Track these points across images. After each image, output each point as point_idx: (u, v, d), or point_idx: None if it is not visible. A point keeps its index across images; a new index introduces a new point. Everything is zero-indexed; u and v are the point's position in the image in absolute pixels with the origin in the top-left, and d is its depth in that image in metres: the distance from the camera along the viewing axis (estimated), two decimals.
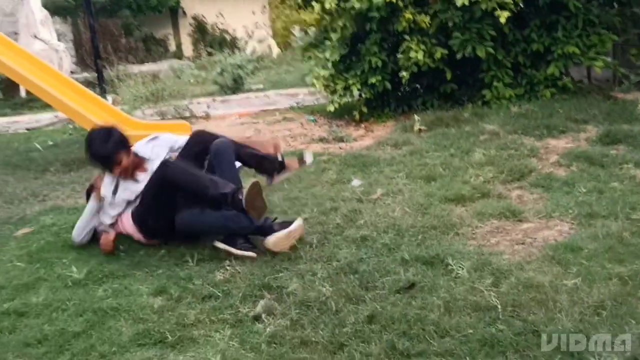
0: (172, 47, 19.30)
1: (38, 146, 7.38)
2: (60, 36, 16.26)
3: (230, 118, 8.56)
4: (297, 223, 3.39)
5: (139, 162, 3.76)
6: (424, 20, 6.23)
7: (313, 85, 7.36)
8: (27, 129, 9.53)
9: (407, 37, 6.32)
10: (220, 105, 10.09)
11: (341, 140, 6.16)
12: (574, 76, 6.70)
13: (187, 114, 8.19)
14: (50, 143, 7.60)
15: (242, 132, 7.28)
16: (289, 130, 7.11)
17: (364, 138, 6.25)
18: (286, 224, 3.38)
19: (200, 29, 19.07)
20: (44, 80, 6.46)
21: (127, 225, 3.68)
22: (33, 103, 12.24)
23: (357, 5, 6.34)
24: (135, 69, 11.99)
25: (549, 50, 6.25)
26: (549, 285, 2.63)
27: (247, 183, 3.49)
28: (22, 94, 13.38)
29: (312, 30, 9.02)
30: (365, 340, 2.40)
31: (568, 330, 2.27)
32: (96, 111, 6.59)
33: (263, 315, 2.67)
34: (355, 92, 6.95)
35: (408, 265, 2.99)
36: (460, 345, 2.28)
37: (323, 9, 6.86)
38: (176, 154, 3.85)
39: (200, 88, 12.10)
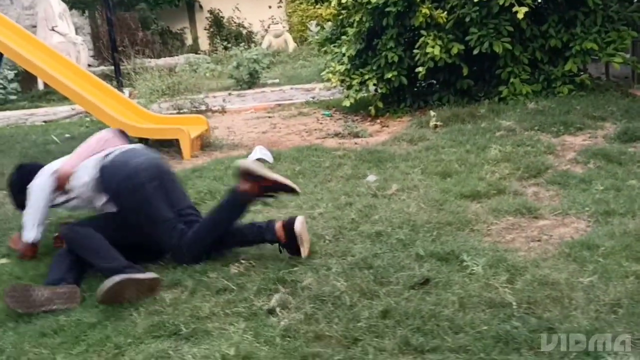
0: (189, 41, 19.36)
1: (55, 138, 7.44)
2: (78, 29, 16.39)
3: (246, 112, 8.58)
4: None
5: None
6: (441, 15, 6.20)
7: (329, 80, 7.35)
8: (45, 122, 9.62)
9: (423, 32, 6.30)
10: (236, 99, 10.12)
11: (357, 135, 6.16)
12: (592, 73, 6.66)
13: (203, 107, 8.21)
14: (67, 135, 7.66)
15: (257, 127, 7.30)
16: (304, 125, 7.12)
17: (379, 133, 6.24)
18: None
19: (217, 23, 19.09)
20: (62, 73, 6.50)
21: None
22: (50, 96, 12.36)
23: (373, 0, 6.32)
24: (152, 62, 12.02)
25: (567, 46, 6.21)
26: (564, 282, 2.61)
27: None
28: (40, 86, 13.49)
29: (328, 25, 9.02)
30: (379, 335, 2.40)
31: (584, 328, 2.26)
32: (113, 104, 6.63)
33: (277, 309, 2.67)
34: (371, 87, 6.95)
35: (423, 261, 2.98)
36: (474, 342, 2.27)
37: (340, 3, 6.87)
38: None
39: (216, 82, 12.13)
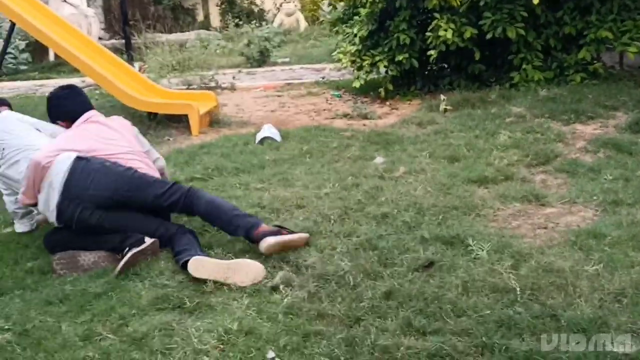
0: (200, 17, 19.26)
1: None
2: (89, 2, 16.32)
3: (255, 90, 8.55)
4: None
5: None
6: None
7: (339, 60, 7.31)
8: None
9: (437, 15, 6.23)
10: (245, 77, 10.09)
11: (365, 117, 6.14)
12: (605, 61, 6.58)
13: (213, 84, 8.19)
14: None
15: (266, 105, 7.29)
16: (313, 104, 7.10)
17: (388, 116, 6.22)
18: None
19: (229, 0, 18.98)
20: (73, 45, 6.50)
21: None
22: (61, 67, 12.37)
23: None
24: (163, 37, 11.98)
25: (581, 34, 6.13)
26: (569, 270, 2.61)
27: None
28: (51, 57, 13.49)
29: (340, 5, 8.95)
30: (382, 315, 2.41)
31: (588, 316, 2.26)
32: (123, 78, 6.63)
33: (281, 287, 2.69)
34: (382, 69, 6.90)
35: (427, 244, 2.99)
36: (476, 325, 2.28)
37: None
38: None
39: (226, 59, 12.09)
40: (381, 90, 6.89)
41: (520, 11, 6.01)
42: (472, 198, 3.59)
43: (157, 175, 3.40)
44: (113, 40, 14.74)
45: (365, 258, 2.87)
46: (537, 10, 6.02)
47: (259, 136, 5.32)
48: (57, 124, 3.60)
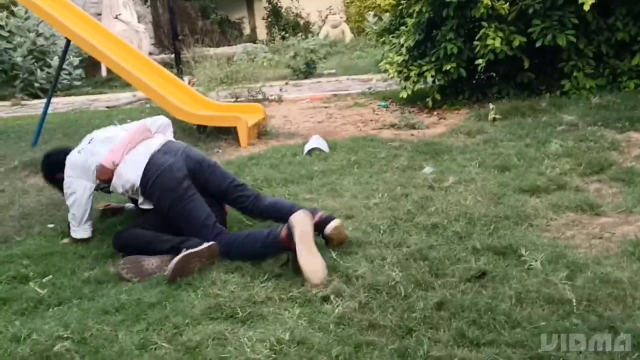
0: (247, 30, 19.57)
1: (117, 124, 7.61)
2: (140, 18, 16.75)
3: (302, 102, 8.61)
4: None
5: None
6: (503, 6, 6.07)
7: (386, 71, 7.31)
8: (107, 107, 9.89)
9: (484, 23, 6.18)
10: (292, 89, 10.17)
11: (413, 127, 6.11)
12: None
13: (260, 96, 8.29)
14: (129, 121, 7.80)
15: (313, 116, 7.33)
16: (360, 115, 7.11)
17: (436, 125, 6.19)
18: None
19: (275, 12, 19.24)
20: (125, 60, 6.65)
21: None
22: (113, 82, 12.71)
23: None
24: (211, 51, 12.18)
25: (634, 40, 5.99)
26: (627, 281, 2.54)
27: None
28: (103, 73, 13.88)
29: (386, 16, 8.96)
30: (434, 326, 2.39)
31: None
32: (173, 91, 6.76)
33: (332, 297, 2.69)
34: (429, 79, 6.87)
35: (479, 254, 2.95)
36: (531, 337, 2.24)
37: None
38: None
39: (273, 71, 12.21)
40: (428, 100, 6.86)
41: (571, 18, 5.90)
42: (524, 208, 3.54)
43: None
44: (163, 55, 15.07)
45: (416, 268, 2.85)
46: (588, 16, 5.90)
47: (307, 147, 5.35)
48: None
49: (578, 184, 3.90)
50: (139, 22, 15.93)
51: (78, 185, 3.57)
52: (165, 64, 9.49)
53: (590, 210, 3.45)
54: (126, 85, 10.18)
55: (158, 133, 3.81)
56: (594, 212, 3.44)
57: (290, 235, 3.01)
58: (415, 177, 4.31)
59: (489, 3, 6.04)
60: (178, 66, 11.38)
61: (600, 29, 6.13)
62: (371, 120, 6.72)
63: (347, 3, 18.68)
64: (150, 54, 15.18)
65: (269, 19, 19.34)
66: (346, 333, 2.41)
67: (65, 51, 6.94)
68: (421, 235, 3.26)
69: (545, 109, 5.74)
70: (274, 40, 17.15)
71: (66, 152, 3.75)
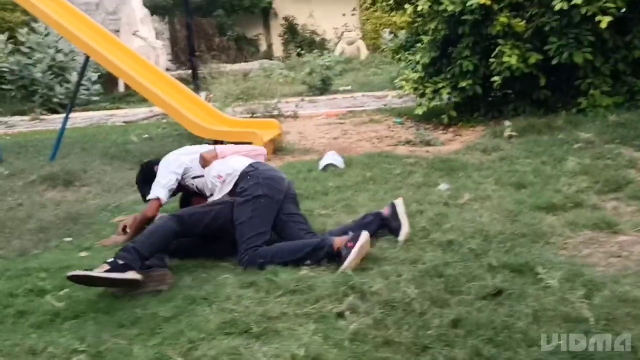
0: (263, 47, 19.68)
1: (134, 138, 7.71)
2: (157, 34, 16.93)
3: (318, 118, 8.64)
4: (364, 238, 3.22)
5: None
6: (519, 24, 6.08)
7: (402, 87, 7.33)
8: (124, 122, 9.99)
9: (500, 41, 6.19)
10: (308, 105, 10.22)
11: (428, 143, 6.12)
12: None
13: (276, 112, 8.33)
14: (146, 136, 7.92)
15: (328, 132, 7.35)
16: (375, 132, 7.12)
17: (451, 142, 6.18)
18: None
19: (291, 29, 19.35)
20: (143, 76, 6.74)
21: None
22: (130, 97, 12.84)
23: (450, 8, 6.27)
24: (227, 67, 12.29)
25: None
26: None
27: None
28: (121, 88, 14.02)
29: (402, 33, 9.00)
30: (450, 344, 2.37)
31: None
32: (190, 107, 6.83)
33: (346, 313, 2.68)
34: (445, 96, 6.87)
35: (495, 272, 2.93)
36: (549, 356, 2.22)
37: (415, 11, 6.83)
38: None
39: (289, 88, 12.28)
40: (444, 117, 6.86)
41: (587, 36, 5.89)
42: (541, 225, 3.51)
43: None
44: (180, 71, 15.21)
45: (431, 285, 2.84)
46: (605, 34, 5.89)
47: (322, 163, 5.36)
48: None
49: (595, 202, 3.87)
50: (156, 38, 16.11)
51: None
52: (182, 80, 9.56)
53: (608, 228, 3.42)
54: (143, 101, 10.27)
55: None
56: (611, 230, 3.41)
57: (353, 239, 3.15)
58: (431, 194, 4.30)
59: (506, 21, 6.05)
60: (195, 82, 11.47)
61: (617, 46, 6.12)
62: (386, 137, 6.72)
63: (363, 20, 18.76)
64: (167, 69, 15.31)
65: (285, 36, 19.46)
66: (361, 349, 2.39)
67: (83, 67, 7.03)
68: (437, 252, 3.25)
69: (561, 126, 5.72)
70: (290, 56, 17.25)
71: (158, 160, 3.96)
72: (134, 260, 3.11)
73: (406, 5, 7.05)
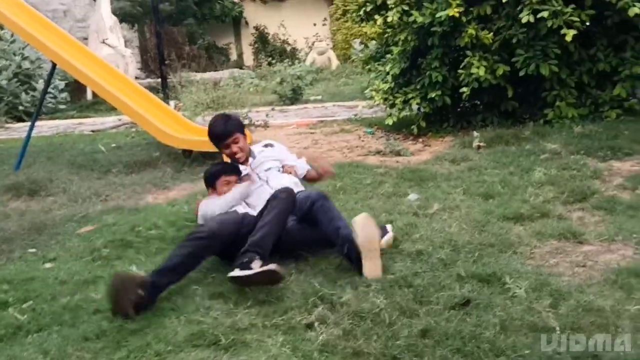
0: (234, 56, 19.65)
1: (102, 148, 7.61)
2: (127, 42, 16.78)
3: (289, 128, 8.64)
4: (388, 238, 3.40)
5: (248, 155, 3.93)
6: (487, 36, 6.17)
7: (372, 98, 7.37)
8: (92, 131, 9.86)
9: (469, 52, 6.27)
10: (279, 115, 10.20)
11: (398, 153, 6.15)
12: None
13: (246, 122, 8.29)
14: (114, 145, 7.83)
15: (299, 142, 7.35)
16: (346, 141, 7.14)
17: (421, 152, 6.22)
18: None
19: (262, 39, 19.36)
20: (111, 84, 6.67)
21: None
22: (98, 106, 12.69)
23: (419, 20, 6.33)
24: (198, 76, 12.23)
25: (615, 71, 6.09)
26: (610, 309, 2.55)
27: None
28: (89, 96, 13.85)
29: (372, 44, 9.05)
30: (419, 354, 2.37)
31: (632, 357, 2.20)
32: (159, 115, 6.77)
33: (316, 324, 2.67)
34: (415, 106, 6.93)
35: (463, 282, 2.95)
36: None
37: (385, 22, 6.88)
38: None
39: (259, 97, 12.27)
40: (414, 127, 6.91)
41: (553, 48, 6.00)
42: (508, 235, 3.55)
43: None
44: (149, 80, 15.10)
45: (400, 295, 2.84)
46: (570, 47, 6.01)
47: None
48: None
49: (561, 212, 3.92)
50: (125, 46, 15.95)
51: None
52: (151, 89, 9.51)
53: (574, 238, 3.47)
54: (112, 109, 10.16)
55: None
56: (577, 240, 3.46)
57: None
58: (400, 204, 4.32)
59: (474, 33, 6.13)
60: (164, 91, 11.38)
61: (582, 59, 6.24)
62: (357, 147, 6.74)
63: (334, 30, 18.84)
64: (137, 78, 15.19)
65: (256, 45, 19.47)
66: None
67: (50, 74, 6.94)
68: (406, 262, 3.26)
69: (528, 137, 5.81)
70: (260, 66, 17.25)
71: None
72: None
73: (376, 17, 7.10)
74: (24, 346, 2.68)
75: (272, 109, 10.82)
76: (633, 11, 5.47)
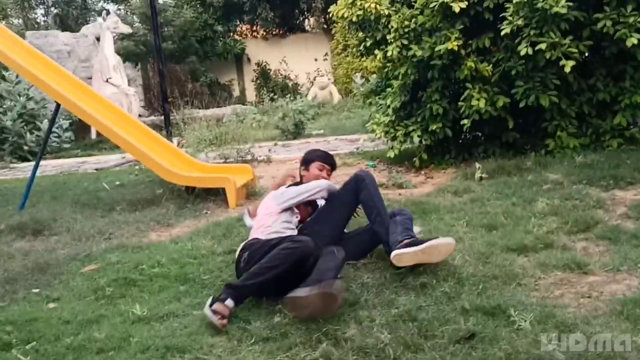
0: (236, 92, 19.84)
1: (106, 186, 7.63)
2: (130, 81, 16.98)
3: (291, 162, 8.66)
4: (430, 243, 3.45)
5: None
6: (486, 68, 6.23)
7: (373, 131, 7.42)
8: (96, 169, 9.91)
9: (469, 85, 6.32)
10: (281, 150, 10.25)
11: (400, 186, 6.15)
12: None
13: (249, 157, 8.35)
14: (117, 183, 7.86)
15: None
16: (348, 175, 7.10)
17: (423, 185, 6.23)
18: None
19: (264, 74, 19.57)
20: (114, 123, 6.72)
21: None
22: (102, 144, 12.78)
23: (419, 53, 6.40)
24: (200, 113, 12.34)
25: (615, 100, 6.13)
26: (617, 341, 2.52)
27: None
28: (93, 135, 13.95)
29: (373, 77, 9.14)
30: None
31: None
32: (162, 153, 6.81)
33: None
34: (416, 139, 6.96)
35: (468, 315, 2.93)
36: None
37: (385, 56, 6.96)
38: None
39: (262, 132, 12.35)
40: (416, 159, 6.93)
41: (552, 79, 6.04)
42: (512, 267, 3.53)
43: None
44: (152, 117, 15.25)
45: (405, 330, 2.83)
46: (569, 77, 6.05)
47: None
48: None
49: (565, 243, 3.91)
50: (129, 85, 16.13)
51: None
52: (154, 126, 9.58)
53: (578, 269, 3.45)
54: (115, 147, 10.23)
55: None
56: (581, 270, 3.44)
57: None
58: None
59: (473, 65, 6.19)
60: (167, 128, 11.47)
61: (582, 89, 6.28)
62: None
63: (335, 65, 19.04)
64: (140, 116, 15.34)
65: (258, 81, 19.67)
66: None
67: (54, 114, 7.00)
68: (410, 295, 3.24)
69: (530, 167, 5.82)
70: (262, 101, 17.39)
71: None
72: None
73: (376, 51, 7.18)
74: None
75: (275, 144, 10.88)
76: (631, 41, 5.52)
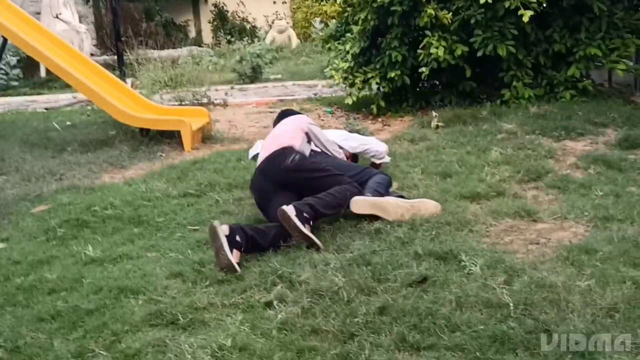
0: (192, 33, 19.33)
1: (56, 126, 7.43)
2: (81, 18, 16.35)
3: (248, 106, 8.58)
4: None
5: None
6: (446, 16, 6.19)
7: (332, 77, 7.36)
8: (46, 109, 9.61)
9: (428, 32, 6.29)
10: (238, 94, 10.12)
11: (358, 133, 6.14)
12: (594, 79, 6.65)
13: (205, 100, 8.19)
14: (68, 123, 7.65)
15: (259, 121, 7.31)
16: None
17: (380, 132, 6.25)
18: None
19: (221, 16, 19.08)
20: (65, 61, 6.51)
21: None
22: (52, 83, 12.36)
23: None
24: (155, 53, 11.98)
25: (570, 52, 6.20)
26: (561, 285, 2.62)
27: None
28: (42, 73, 13.47)
29: (332, 22, 9.02)
30: (376, 331, 2.41)
31: (581, 331, 2.27)
32: (115, 94, 6.64)
33: (274, 302, 2.69)
34: (374, 86, 6.94)
35: (421, 260, 2.99)
36: (470, 341, 2.29)
37: (345, 1, 6.85)
38: None
39: (218, 75, 12.12)
40: (373, 106, 6.93)
41: (511, 29, 6.06)
42: (465, 214, 3.60)
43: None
44: (105, 57, 14.76)
45: (358, 273, 2.87)
46: (527, 28, 6.08)
47: (251, 152, 5.30)
48: None
49: (516, 191, 4.00)
50: (80, 22, 15.54)
51: None
52: (107, 66, 9.29)
53: (528, 217, 3.54)
54: (66, 87, 9.91)
55: None
56: (531, 218, 3.53)
57: None
58: None
59: (433, 12, 6.15)
60: (120, 68, 11.15)
61: (539, 40, 6.33)
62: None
63: (294, 9, 18.70)
64: (92, 55, 14.83)
65: (215, 23, 19.17)
66: (289, 339, 2.40)
67: (1, 50, 6.73)
68: (364, 240, 3.29)
69: (486, 117, 5.88)
70: (219, 44, 17.01)
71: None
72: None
73: None
74: None
75: (232, 88, 10.71)
76: None
